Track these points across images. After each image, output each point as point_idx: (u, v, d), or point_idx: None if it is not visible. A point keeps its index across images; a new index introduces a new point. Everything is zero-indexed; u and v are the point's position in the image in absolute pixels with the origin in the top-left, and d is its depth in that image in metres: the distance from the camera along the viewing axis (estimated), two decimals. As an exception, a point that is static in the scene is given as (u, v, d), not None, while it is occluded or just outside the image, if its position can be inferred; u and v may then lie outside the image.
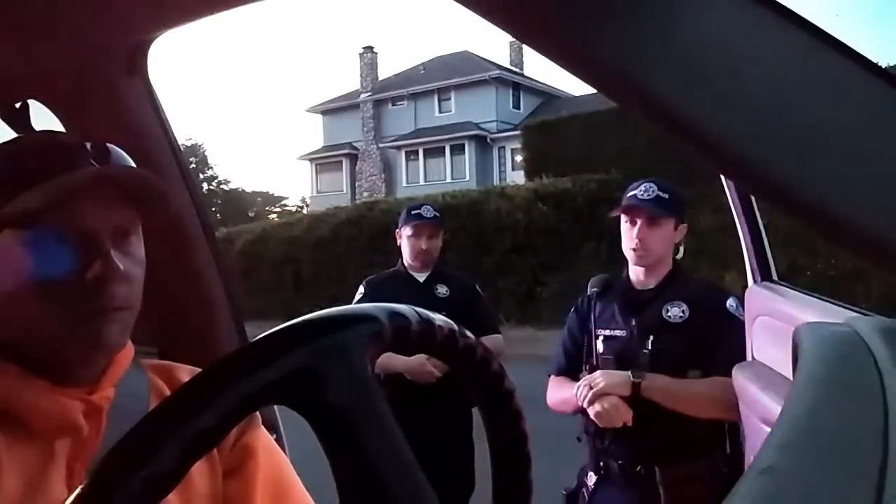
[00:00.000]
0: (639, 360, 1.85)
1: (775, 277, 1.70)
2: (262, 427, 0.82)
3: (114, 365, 0.74)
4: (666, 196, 1.89)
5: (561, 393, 1.99)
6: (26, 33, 0.90)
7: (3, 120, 0.99)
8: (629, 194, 1.94)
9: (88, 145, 0.71)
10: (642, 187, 1.92)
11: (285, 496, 0.79)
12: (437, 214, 2.77)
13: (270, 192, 46.37)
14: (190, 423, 0.36)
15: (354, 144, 28.29)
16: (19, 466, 0.66)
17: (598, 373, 1.86)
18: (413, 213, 2.73)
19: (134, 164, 0.76)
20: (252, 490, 0.76)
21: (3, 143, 0.74)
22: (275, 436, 0.89)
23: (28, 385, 0.68)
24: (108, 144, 0.73)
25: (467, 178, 24.12)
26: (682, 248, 2.03)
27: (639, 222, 1.89)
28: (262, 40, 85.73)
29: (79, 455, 0.70)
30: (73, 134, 0.74)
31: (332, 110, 29.74)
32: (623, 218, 1.94)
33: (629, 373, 1.80)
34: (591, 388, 1.82)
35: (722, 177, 1.58)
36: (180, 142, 1.14)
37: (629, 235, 1.92)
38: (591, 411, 1.82)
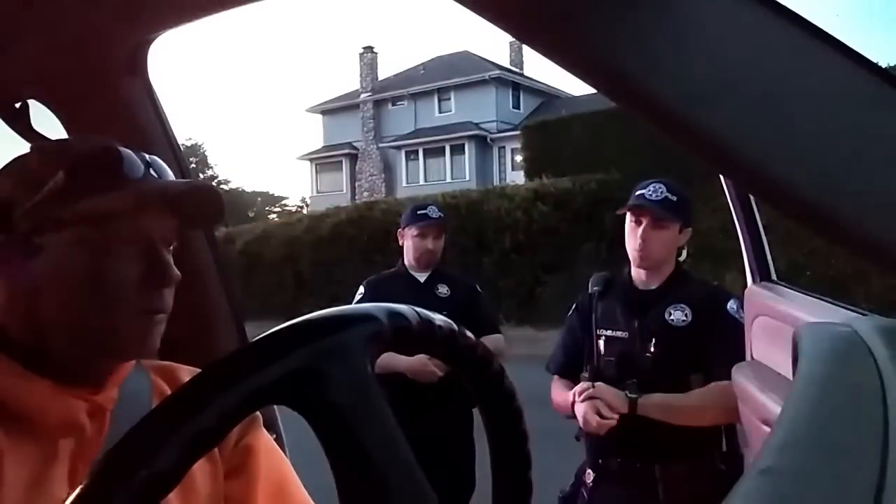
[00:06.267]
0: (641, 363, 1.85)
1: (774, 277, 1.69)
2: (263, 428, 0.82)
3: (119, 366, 0.74)
4: (674, 199, 1.88)
5: (562, 396, 1.99)
6: (26, 33, 0.90)
7: (3, 120, 1.00)
8: (637, 193, 1.91)
9: (147, 156, 0.73)
10: (651, 188, 1.89)
11: (286, 496, 0.79)
12: (442, 215, 2.77)
13: (270, 192, 46.31)
14: (190, 422, 0.36)
15: (354, 144, 28.28)
16: (22, 466, 0.66)
17: (600, 386, 1.84)
18: (419, 213, 2.72)
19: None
20: (253, 490, 0.76)
21: (63, 140, 0.79)
22: (275, 436, 0.89)
23: (32, 385, 0.68)
24: (156, 157, 0.75)
25: (467, 178, 24.10)
26: (685, 251, 2.02)
27: (644, 223, 1.88)
28: (262, 40, 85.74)
29: (82, 455, 0.70)
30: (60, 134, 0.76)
31: (332, 110, 29.72)
32: (629, 217, 1.92)
33: (625, 393, 1.80)
34: (591, 398, 1.82)
35: (721, 177, 1.58)
36: (180, 142, 1.14)
37: (633, 235, 1.91)
38: (579, 413, 1.83)
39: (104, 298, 0.68)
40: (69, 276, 0.68)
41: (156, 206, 0.71)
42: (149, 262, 0.70)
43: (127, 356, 0.73)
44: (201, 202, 0.74)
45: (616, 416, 1.78)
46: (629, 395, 1.79)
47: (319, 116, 30.56)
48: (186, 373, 0.84)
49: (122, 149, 0.72)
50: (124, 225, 0.69)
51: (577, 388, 1.87)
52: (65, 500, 0.35)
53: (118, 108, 1.03)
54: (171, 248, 0.74)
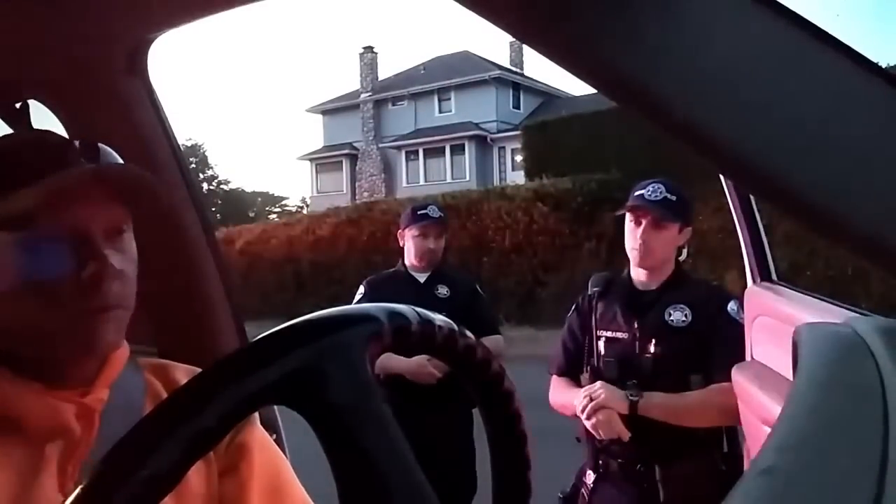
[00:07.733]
0: (640, 364, 1.85)
1: (775, 277, 1.69)
2: (258, 425, 0.81)
3: (108, 366, 0.73)
4: (673, 198, 1.88)
5: (562, 397, 1.99)
6: (27, 33, 0.90)
7: (3, 120, 0.99)
8: (636, 193, 1.91)
9: (77, 143, 0.70)
10: (650, 188, 1.89)
11: (282, 494, 0.78)
12: (443, 214, 2.77)
13: (270, 192, 46.45)
14: (190, 422, 0.36)
15: (354, 144, 28.27)
16: (10, 469, 0.66)
17: (598, 385, 1.84)
18: (419, 213, 2.71)
19: (123, 161, 0.75)
20: (248, 489, 0.76)
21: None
22: (275, 436, 0.89)
23: (20, 388, 0.68)
24: (97, 143, 0.72)
25: (467, 178, 24.10)
26: (685, 251, 2.02)
27: (643, 223, 1.88)
28: (262, 40, 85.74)
29: (70, 457, 0.69)
30: (60, 133, 0.73)
31: (332, 110, 29.72)
32: (628, 217, 1.92)
33: (626, 392, 1.80)
34: (591, 399, 1.82)
35: (721, 177, 1.58)
36: (180, 142, 1.14)
37: (633, 236, 1.91)
38: (588, 424, 1.83)
39: (41, 301, 0.66)
40: (5, 283, 0.65)
41: (84, 194, 0.66)
42: (82, 258, 0.66)
43: (81, 355, 0.70)
44: (117, 180, 0.70)
45: (628, 434, 1.78)
46: (630, 396, 1.79)
47: (319, 116, 30.56)
48: (181, 371, 0.83)
49: (53, 140, 0.69)
50: (51, 220, 0.65)
51: (577, 403, 1.86)
52: (64, 502, 0.35)
53: (118, 108, 1.03)
54: (121, 236, 0.70)
